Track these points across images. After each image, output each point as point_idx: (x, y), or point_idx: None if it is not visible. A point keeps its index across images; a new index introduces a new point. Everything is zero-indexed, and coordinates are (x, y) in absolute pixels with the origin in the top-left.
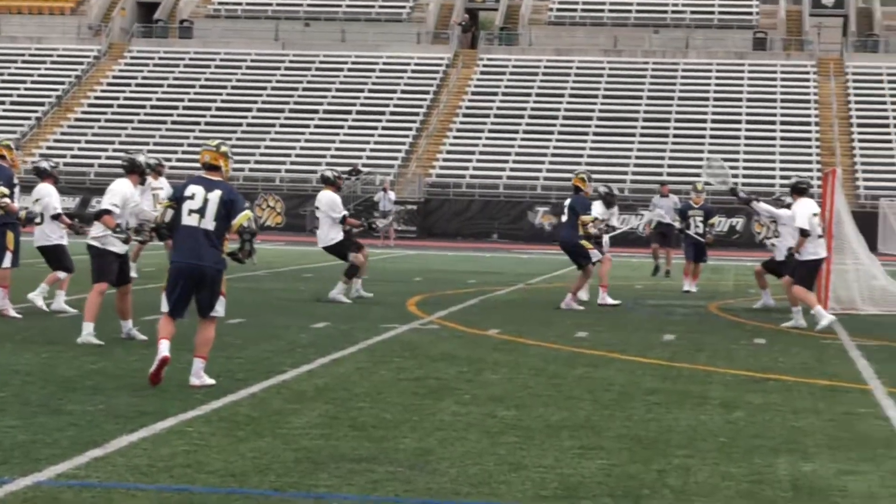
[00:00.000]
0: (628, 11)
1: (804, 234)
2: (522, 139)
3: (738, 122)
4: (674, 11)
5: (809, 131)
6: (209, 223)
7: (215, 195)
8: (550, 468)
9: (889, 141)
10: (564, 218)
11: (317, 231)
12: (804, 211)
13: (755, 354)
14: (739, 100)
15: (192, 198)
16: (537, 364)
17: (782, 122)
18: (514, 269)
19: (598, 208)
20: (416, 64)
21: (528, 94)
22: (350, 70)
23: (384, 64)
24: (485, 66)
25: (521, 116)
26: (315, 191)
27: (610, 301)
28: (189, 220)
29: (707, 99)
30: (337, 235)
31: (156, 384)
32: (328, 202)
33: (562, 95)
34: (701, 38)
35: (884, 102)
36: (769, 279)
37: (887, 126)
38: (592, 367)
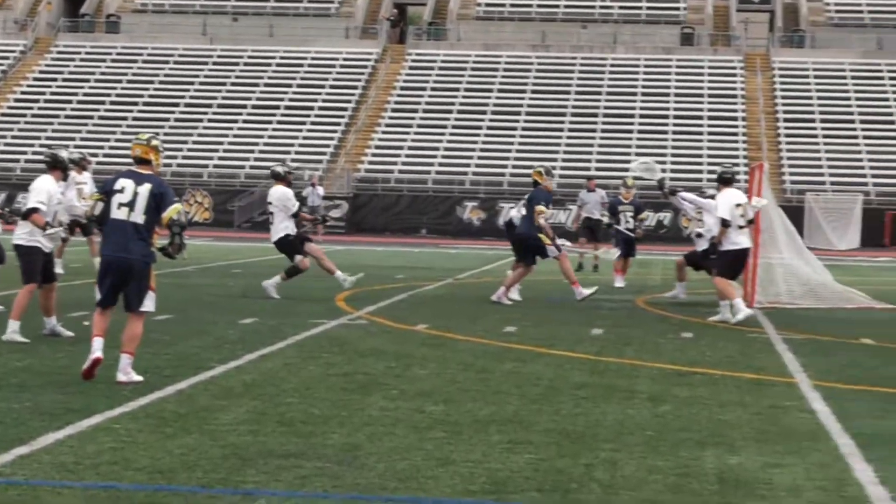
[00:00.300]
0: (556, 7)
1: (725, 224)
2: (451, 134)
3: (666, 116)
4: (602, 7)
5: (736, 126)
6: (138, 216)
7: (145, 189)
8: (478, 463)
9: (815, 136)
10: (523, 211)
11: (270, 227)
12: (726, 201)
13: (682, 348)
14: (667, 95)
15: (121, 191)
16: (465, 359)
17: (709, 117)
18: (442, 264)
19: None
20: (345, 59)
21: (457, 89)
22: (278, 65)
23: (312, 59)
24: (413, 60)
25: (450, 111)
26: (243, 186)
27: (586, 292)
28: (118, 213)
29: (635, 94)
30: (288, 230)
31: (88, 379)
32: (280, 197)
33: (490, 90)
34: (629, 34)
35: (810, 97)
36: (690, 273)
37: (813, 121)
38: (521, 362)
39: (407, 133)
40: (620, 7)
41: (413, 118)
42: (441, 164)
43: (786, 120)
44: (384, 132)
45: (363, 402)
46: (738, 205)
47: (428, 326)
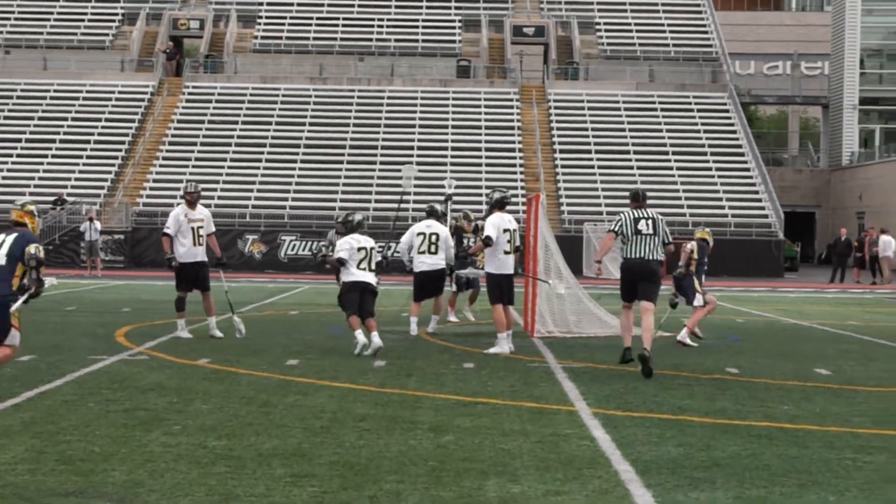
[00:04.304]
0: (333, 39)
1: (487, 242)
2: (230, 167)
3: (445, 148)
4: (378, 39)
5: (514, 157)
6: (1, 258)
7: (11, 236)
8: (262, 497)
9: (591, 167)
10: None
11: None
12: (496, 222)
13: (464, 378)
14: (445, 127)
15: None
16: (248, 393)
17: (487, 149)
18: (223, 298)
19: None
20: (121, 92)
21: (235, 122)
22: (52, 98)
23: (87, 92)
24: (190, 93)
25: (229, 144)
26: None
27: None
28: None
29: (413, 126)
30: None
31: None
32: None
33: (269, 123)
34: (406, 66)
35: (585, 129)
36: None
37: (589, 152)
38: (303, 395)
39: (185, 166)
40: (397, 40)
41: (191, 151)
42: (220, 198)
43: (562, 151)
44: (162, 165)
45: (144, 439)
46: (507, 230)
47: (210, 361)
